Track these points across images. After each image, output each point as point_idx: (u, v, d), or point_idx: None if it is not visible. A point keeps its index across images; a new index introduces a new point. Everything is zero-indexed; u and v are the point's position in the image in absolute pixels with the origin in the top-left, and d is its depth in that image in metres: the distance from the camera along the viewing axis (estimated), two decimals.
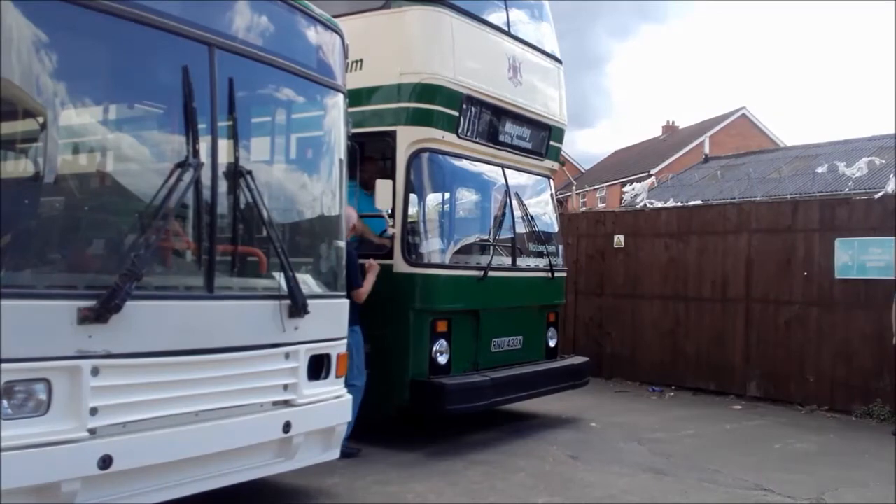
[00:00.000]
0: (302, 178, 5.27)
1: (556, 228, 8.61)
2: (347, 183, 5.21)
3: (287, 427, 4.20)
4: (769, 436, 7.66)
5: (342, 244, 5.04)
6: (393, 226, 6.45)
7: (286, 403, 4.30)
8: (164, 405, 3.59)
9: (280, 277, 4.30)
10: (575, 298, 11.22)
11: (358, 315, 5.70)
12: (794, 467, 6.45)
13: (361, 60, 6.49)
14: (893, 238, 8.51)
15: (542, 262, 7.96)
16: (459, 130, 6.90)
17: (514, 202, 7.63)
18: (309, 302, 4.35)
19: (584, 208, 21.80)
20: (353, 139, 5.31)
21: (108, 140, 4.08)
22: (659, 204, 12.08)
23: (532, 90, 7.84)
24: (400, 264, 6.47)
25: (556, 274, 8.08)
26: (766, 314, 9.64)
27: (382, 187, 6.21)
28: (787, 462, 6.64)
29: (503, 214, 7.47)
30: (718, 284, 10.06)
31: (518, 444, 6.86)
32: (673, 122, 41.58)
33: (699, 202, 13.40)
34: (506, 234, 7.50)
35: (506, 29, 7.58)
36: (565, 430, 7.66)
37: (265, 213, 4.18)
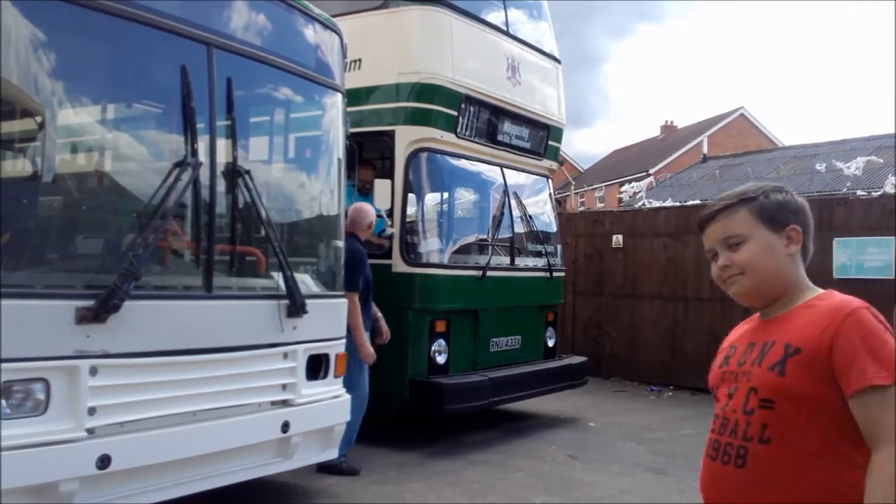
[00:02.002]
0: (300, 178, 5.27)
1: (554, 228, 8.61)
2: (346, 182, 5.21)
3: (285, 427, 4.20)
4: None
5: (341, 244, 5.04)
6: (391, 225, 6.45)
7: (284, 403, 4.30)
8: (162, 405, 3.59)
9: (278, 277, 4.30)
10: (573, 298, 11.23)
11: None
12: None
13: (360, 60, 6.49)
14: (892, 238, 8.52)
15: (541, 262, 7.96)
16: (458, 130, 6.90)
17: (513, 202, 7.63)
18: (307, 301, 4.35)
19: (582, 208, 21.81)
20: (351, 139, 5.31)
21: (106, 140, 4.08)
22: (657, 204, 12.08)
23: (531, 90, 7.84)
24: (398, 264, 6.47)
25: (555, 274, 8.08)
26: None
27: (381, 187, 6.22)
28: None
29: (502, 214, 7.47)
30: (717, 284, 10.04)
31: (517, 444, 6.86)
32: (671, 122, 41.60)
33: (698, 202, 13.41)
34: (504, 234, 7.50)
35: (504, 29, 7.59)
36: (564, 429, 7.67)
37: (264, 213, 4.18)
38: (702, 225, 1.81)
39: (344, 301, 4.91)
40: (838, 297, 1.68)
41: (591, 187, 34.87)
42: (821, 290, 1.75)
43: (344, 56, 5.12)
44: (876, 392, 1.53)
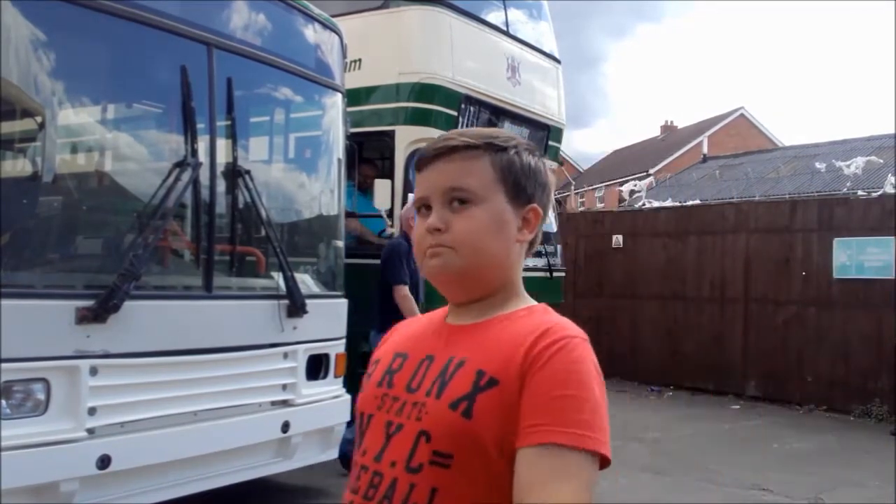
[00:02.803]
0: (300, 178, 5.28)
1: (554, 228, 8.61)
2: (346, 182, 5.22)
3: (286, 427, 4.20)
4: (767, 436, 7.67)
5: (341, 244, 5.04)
6: (392, 225, 6.45)
7: (285, 403, 4.30)
8: (162, 405, 3.59)
9: (278, 277, 4.30)
10: (573, 298, 11.22)
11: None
12: (793, 467, 6.46)
13: (360, 60, 6.49)
14: (892, 238, 8.52)
15: (541, 262, 7.96)
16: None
17: None
18: (307, 301, 4.35)
19: (582, 208, 21.80)
20: (351, 139, 5.31)
21: (106, 140, 4.08)
22: (657, 204, 12.09)
23: (531, 90, 7.84)
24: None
25: (555, 274, 8.08)
26: (765, 314, 9.65)
27: (381, 187, 6.22)
28: (785, 462, 6.65)
29: None
30: (717, 284, 10.07)
31: None
32: (671, 122, 41.57)
33: (697, 202, 13.41)
34: None
35: (504, 29, 7.59)
36: None
37: (263, 213, 4.18)
38: (424, 161, 1.24)
39: (344, 301, 4.90)
40: (552, 317, 1.20)
41: (591, 187, 34.88)
42: (533, 302, 1.27)
43: (344, 56, 5.12)
44: (552, 450, 1.03)
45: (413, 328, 1.34)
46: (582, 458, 1.04)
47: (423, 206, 1.23)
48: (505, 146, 1.23)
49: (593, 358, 1.13)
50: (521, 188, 1.23)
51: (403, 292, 5.43)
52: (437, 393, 1.13)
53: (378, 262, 6.34)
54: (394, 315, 5.55)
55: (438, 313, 1.30)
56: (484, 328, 1.20)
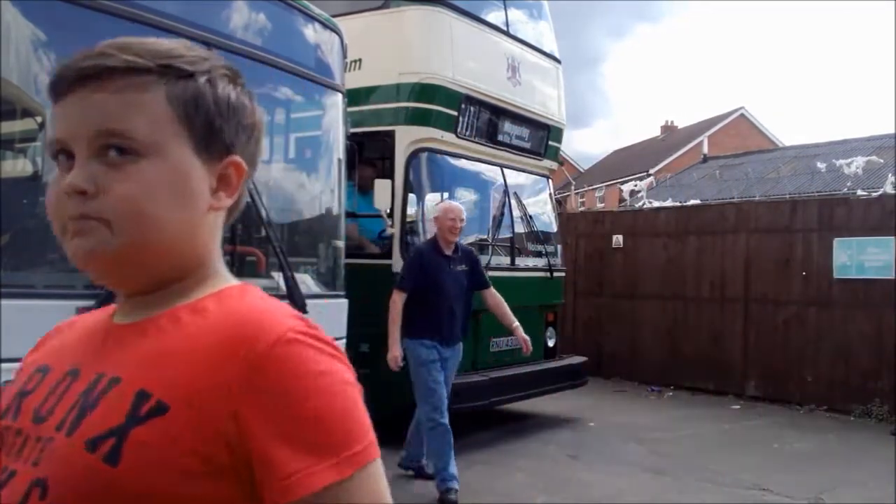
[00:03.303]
0: (301, 178, 5.27)
1: (554, 228, 8.62)
2: (346, 183, 5.22)
3: None
4: (768, 436, 7.67)
5: (341, 244, 5.04)
6: (392, 226, 6.45)
7: None
8: None
9: (279, 277, 4.30)
10: (574, 298, 11.23)
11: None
12: (793, 467, 6.46)
13: (360, 60, 6.49)
14: (892, 238, 8.53)
15: (541, 262, 7.96)
16: (458, 130, 6.90)
17: (513, 202, 7.64)
18: (308, 301, 4.35)
19: (582, 208, 21.81)
20: (351, 139, 5.31)
21: None
22: (657, 204, 12.09)
23: (531, 90, 7.85)
24: (398, 264, 6.47)
25: (555, 274, 8.09)
26: (765, 314, 9.65)
27: (381, 187, 6.22)
28: (785, 462, 6.65)
29: (502, 214, 7.48)
30: (717, 284, 10.07)
31: (517, 444, 6.86)
32: (671, 122, 41.60)
33: (698, 202, 13.40)
34: (504, 234, 7.51)
35: (505, 29, 7.60)
36: (564, 429, 7.67)
37: (264, 213, 4.18)
38: (63, 86, 0.80)
39: (345, 301, 4.91)
40: (249, 305, 0.84)
41: (591, 187, 34.89)
42: (232, 281, 0.90)
43: (344, 56, 5.12)
44: (336, 490, 0.75)
45: (73, 330, 0.99)
46: (364, 476, 0.80)
47: (63, 154, 0.81)
48: (191, 71, 0.83)
49: (319, 343, 0.81)
50: (216, 133, 0.85)
51: (394, 297, 5.35)
52: (70, 426, 0.77)
53: (378, 262, 6.37)
54: (418, 320, 5.40)
55: (111, 307, 0.95)
56: (155, 329, 0.84)
